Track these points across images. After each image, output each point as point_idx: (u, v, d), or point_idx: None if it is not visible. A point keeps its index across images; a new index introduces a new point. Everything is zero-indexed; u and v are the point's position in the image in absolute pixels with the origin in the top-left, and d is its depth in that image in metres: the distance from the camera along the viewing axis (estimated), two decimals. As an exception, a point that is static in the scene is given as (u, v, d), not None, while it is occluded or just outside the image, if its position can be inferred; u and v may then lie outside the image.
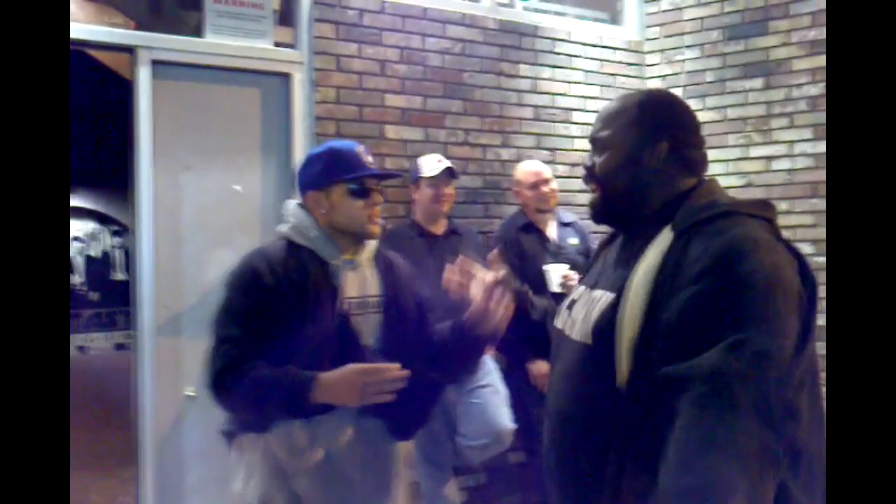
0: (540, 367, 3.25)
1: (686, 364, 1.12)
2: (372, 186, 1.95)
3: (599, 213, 1.42)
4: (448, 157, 3.40)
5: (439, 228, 3.21)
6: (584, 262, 3.46)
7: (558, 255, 3.40)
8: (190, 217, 3.18)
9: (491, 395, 3.10)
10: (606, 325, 1.27)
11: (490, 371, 3.17)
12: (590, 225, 3.78)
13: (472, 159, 3.79)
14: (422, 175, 3.16)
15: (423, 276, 3.08)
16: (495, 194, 3.88)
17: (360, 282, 1.94)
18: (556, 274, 3.30)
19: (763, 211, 1.27)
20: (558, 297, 3.32)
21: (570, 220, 3.58)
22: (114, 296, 11.79)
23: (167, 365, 3.09)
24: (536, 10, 4.23)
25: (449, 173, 3.16)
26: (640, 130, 1.36)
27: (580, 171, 4.39)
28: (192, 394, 3.08)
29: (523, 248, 3.36)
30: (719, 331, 1.11)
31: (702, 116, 4.16)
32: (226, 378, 1.78)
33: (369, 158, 1.98)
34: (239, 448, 1.93)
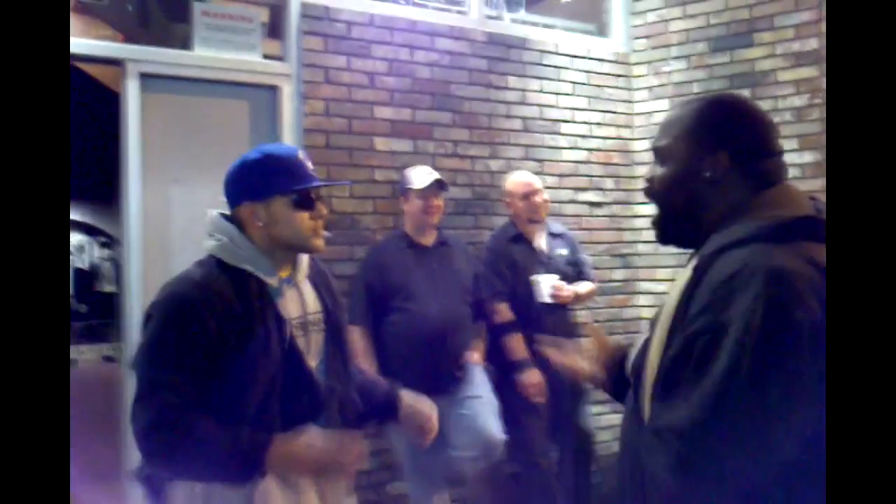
0: (531, 377, 3.26)
1: (664, 419, 1.07)
2: (316, 197, 1.72)
3: (661, 233, 1.30)
4: (437, 169, 3.41)
5: (429, 240, 3.22)
6: (573, 273, 3.48)
7: (548, 265, 3.42)
8: (179, 229, 3.17)
9: (481, 405, 3.10)
10: (639, 361, 1.20)
11: (482, 382, 3.18)
12: (578, 235, 3.81)
13: (461, 171, 3.80)
14: (411, 187, 3.17)
15: (411, 287, 3.10)
16: (484, 205, 3.89)
17: (299, 300, 1.74)
18: (546, 285, 3.31)
19: (800, 231, 1.13)
20: (548, 308, 3.34)
21: (560, 230, 3.60)
22: (102, 308, 11.73)
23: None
24: (524, 23, 4.26)
25: (439, 185, 3.17)
26: (697, 140, 1.23)
27: (568, 182, 4.43)
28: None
29: (514, 259, 3.38)
30: (698, 377, 1.04)
31: (689, 127, 4.24)
32: (161, 434, 1.52)
33: (310, 165, 1.76)
34: (165, 499, 1.65)
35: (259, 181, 1.68)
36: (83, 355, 10.87)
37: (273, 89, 3.39)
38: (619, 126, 4.40)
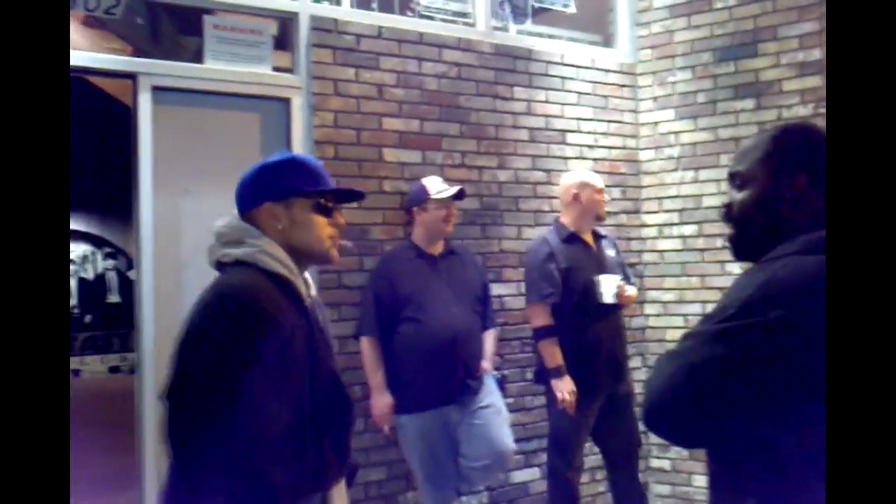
0: (564, 385, 3.23)
1: None
2: (334, 206, 1.67)
3: (739, 250, 1.39)
4: (445, 180, 3.44)
5: (437, 249, 3.24)
6: (620, 274, 3.47)
7: (604, 265, 3.41)
8: (190, 241, 3.20)
9: (492, 415, 3.12)
10: None
11: (492, 391, 3.19)
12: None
13: (469, 181, 3.83)
14: (431, 197, 3.18)
15: (421, 297, 3.12)
16: (492, 215, 3.92)
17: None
18: (611, 284, 3.30)
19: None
20: (602, 309, 3.33)
21: (604, 232, 3.61)
22: (108, 318, 11.74)
23: (168, 388, 3.09)
24: (530, 34, 4.29)
25: (460, 195, 3.22)
26: (776, 164, 1.34)
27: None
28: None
29: (570, 259, 3.34)
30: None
31: (694, 137, 4.27)
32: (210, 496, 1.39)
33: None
34: None
35: (281, 181, 1.63)
36: (88, 366, 10.88)
37: (283, 101, 3.42)
38: (625, 136, 4.42)
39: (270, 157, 1.71)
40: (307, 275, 1.69)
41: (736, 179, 1.39)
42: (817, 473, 1.13)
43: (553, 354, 3.27)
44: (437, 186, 3.21)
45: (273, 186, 1.63)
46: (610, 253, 3.52)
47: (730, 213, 1.39)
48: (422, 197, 3.22)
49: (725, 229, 1.41)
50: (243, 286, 1.50)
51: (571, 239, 3.40)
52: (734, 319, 1.16)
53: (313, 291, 1.70)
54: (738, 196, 1.37)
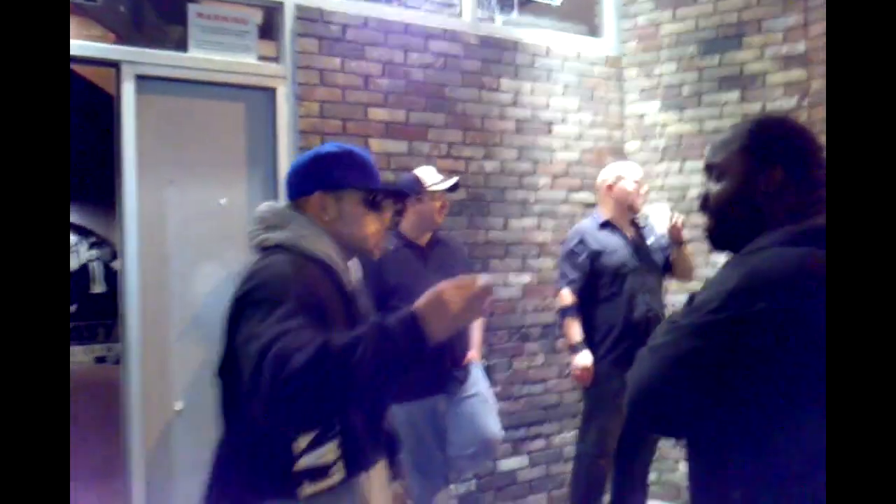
0: (581, 360, 3.39)
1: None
2: (384, 203, 1.69)
3: (716, 241, 1.41)
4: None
5: (425, 240, 3.24)
6: (661, 260, 3.57)
7: (638, 250, 3.50)
8: (175, 231, 3.19)
9: (479, 404, 3.13)
10: None
11: (479, 380, 3.21)
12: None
13: (456, 172, 3.82)
14: (428, 188, 3.17)
15: (410, 288, 3.11)
16: (479, 206, 3.93)
17: None
18: (662, 214, 3.45)
19: (818, 236, 1.21)
20: (640, 291, 3.41)
21: (644, 223, 3.65)
22: (93, 308, 11.66)
23: (154, 379, 3.09)
24: (517, 25, 4.29)
25: (455, 186, 3.23)
26: (752, 156, 1.34)
27: (562, 183, 4.47)
28: (180, 408, 3.08)
29: (602, 243, 3.48)
30: None
31: (679, 128, 4.30)
32: (293, 357, 1.27)
33: None
34: None
35: (336, 173, 1.65)
36: (75, 356, 10.82)
37: (268, 91, 3.41)
38: (610, 127, 4.44)
39: (323, 147, 1.72)
40: (350, 263, 1.70)
41: (713, 171, 1.40)
42: (801, 463, 1.15)
43: (571, 332, 3.44)
44: (432, 177, 3.20)
45: (327, 176, 1.64)
46: (649, 240, 3.59)
47: (706, 204, 1.40)
48: (416, 188, 3.19)
49: (703, 220, 1.42)
50: (285, 263, 1.50)
51: (606, 226, 3.53)
52: (717, 312, 1.17)
53: (354, 279, 1.70)
54: (715, 188, 1.38)
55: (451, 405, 3.11)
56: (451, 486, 3.61)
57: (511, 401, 3.96)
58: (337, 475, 1.50)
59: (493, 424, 3.16)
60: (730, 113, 4.11)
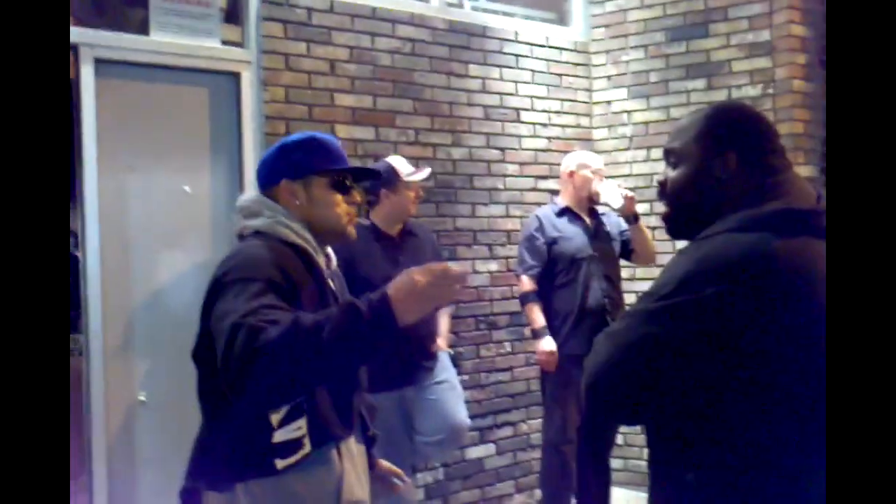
0: (544, 345, 3.43)
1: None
2: (351, 184, 1.74)
3: (672, 228, 1.42)
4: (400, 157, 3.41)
5: (396, 230, 3.21)
6: (619, 247, 3.63)
7: (595, 237, 3.56)
8: (137, 219, 3.12)
9: (447, 391, 3.13)
10: None
11: (446, 367, 3.20)
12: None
13: (423, 158, 3.81)
14: (403, 178, 3.13)
15: (382, 279, 3.08)
16: (447, 193, 3.91)
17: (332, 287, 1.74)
18: (611, 188, 3.50)
19: (801, 223, 1.23)
20: (596, 276, 3.46)
21: (603, 211, 3.68)
22: (54, 299, 11.47)
23: (117, 370, 3.03)
24: (485, 11, 4.27)
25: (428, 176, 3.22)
26: (707, 142, 1.34)
27: (529, 170, 4.48)
28: (143, 399, 3.03)
29: (560, 229, 3.53)
30: None
31: (646, 116, 4.32)
32: (264, 332, 1.31)
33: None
34: None
35: (300, 160, 1.70)
36: (35, 347, 10.64)
37: (233, 76, 3.35)
38: (578, 114, 4.45)
39: (290, 136, 1.78)
40: (329, 249, 1.78)
41: (670, 157, 1.41)
42: (756, 445, 1.16)
43: (533, 317, 3.49)
44: (406, 168, 3.17)
45: (291, 164, 1.70)
46: (605, 228, 3.62)
47: (664, 190, 1.41)
48: (391, 178, 3.14)
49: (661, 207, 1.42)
50: (259, 248, 1.57)
51: (564, 213, 3.58)
52: (670, 297, 1.19)
53: (333, 265, 1.78)
54: (672, 174, 1.39)
55: (418, 392, 3.10)
56: (418, 475, 3.62)
57: (478, 389, 3.97)
58: (305, 449, 1.56)
59: (460, 412, 3.16)
60: (696, 101, 4.14)
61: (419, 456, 3.23)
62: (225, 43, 3.36)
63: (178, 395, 2.83)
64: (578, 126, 4.44)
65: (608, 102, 4.45)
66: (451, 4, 4.08)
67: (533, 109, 4.26)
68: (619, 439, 4.35)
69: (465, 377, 3.79)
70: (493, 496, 4.01)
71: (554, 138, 4.33)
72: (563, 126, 4.37)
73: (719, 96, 4.07)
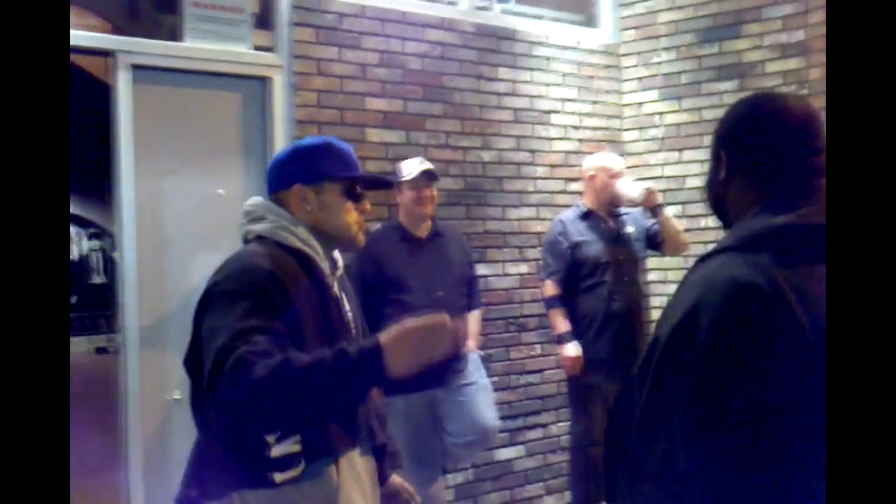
0: (568, 350, 3.43)
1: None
2: (362, 193, 1.71)
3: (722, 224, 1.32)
4: (429, 160, 3.43)
5: (423, 231, 3.23)
6: (642, 247, 3.63)
7: (618, 240, 3.56)
8: (173, 221, 3.18)
9: (477, 392, 3.14)
10: None
11: (476, 369, 3.21)
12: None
13: (454, 161, 3.83)
14: (403, 178, 3.18)
15: (407, 279, 3.12)
16: (477, 196, 3.92)
17: (339, 294, 1.72)
18: (631, 184, 3.49)
19: (765, 242, 1.10)
20: (622, 279, 3.46)
21: (626, 211, 3.67)
22: (93, 299, 11.67)
23: (152, 369, 3.09)
24: (514, 14, 4.27)
25: (428, 176, 3.18)
26: (714, 140, 1.24)
27: (559, 173, 4.48)
28: (178, 397, 3.09)
29: (582, 233, 3.54)
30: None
31: (677, 118, 4.28)
32: (253, 367, 1.32)
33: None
34: None
35: (314, 165, 1.67)
36: (76, 347, 10.83)
37: (264, 81, 3.39)
38: (608, 116, 4.43)
39: (303, 140, 1.75)
40: (336, 254, 1.73)
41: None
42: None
43: (557, 322, 3.49)
44: (408, 167, 3.20)
45: (305, 169, 1.67)
46: (629, 229, 3.60)
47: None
48: (398, 179, 3.20)
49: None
50: (256, 254, 1.55)
51: (587, 216, 3.57)
52: (665, 351, 1.09)
53: (340, 270, 1.74)
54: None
55: (448, 394, 3.11)
56: (448, 476, 3.63)
57: (508, 391, 3.97)
58: (302, 464, 1.53)
59: (489, 414, 3.17)
60: (728, 102, 4.08)
61: (449, 457, 3.24)
62: (256, 48, 3.41)
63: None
64: (609, 128, 4.42)
65: (639, 104, 4.42)
66: (480, 8, 4.09)
67: (563, 112, 4.25)
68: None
69: (495, 379, 3.79)
70: (522, 498, 4.01)
71: (584, 140, 4.32)
72: (593, 128, 4.36)
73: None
